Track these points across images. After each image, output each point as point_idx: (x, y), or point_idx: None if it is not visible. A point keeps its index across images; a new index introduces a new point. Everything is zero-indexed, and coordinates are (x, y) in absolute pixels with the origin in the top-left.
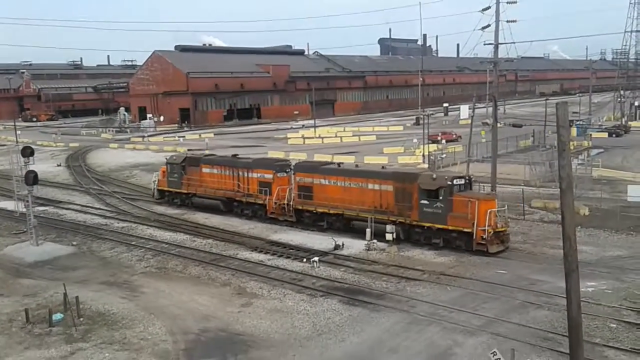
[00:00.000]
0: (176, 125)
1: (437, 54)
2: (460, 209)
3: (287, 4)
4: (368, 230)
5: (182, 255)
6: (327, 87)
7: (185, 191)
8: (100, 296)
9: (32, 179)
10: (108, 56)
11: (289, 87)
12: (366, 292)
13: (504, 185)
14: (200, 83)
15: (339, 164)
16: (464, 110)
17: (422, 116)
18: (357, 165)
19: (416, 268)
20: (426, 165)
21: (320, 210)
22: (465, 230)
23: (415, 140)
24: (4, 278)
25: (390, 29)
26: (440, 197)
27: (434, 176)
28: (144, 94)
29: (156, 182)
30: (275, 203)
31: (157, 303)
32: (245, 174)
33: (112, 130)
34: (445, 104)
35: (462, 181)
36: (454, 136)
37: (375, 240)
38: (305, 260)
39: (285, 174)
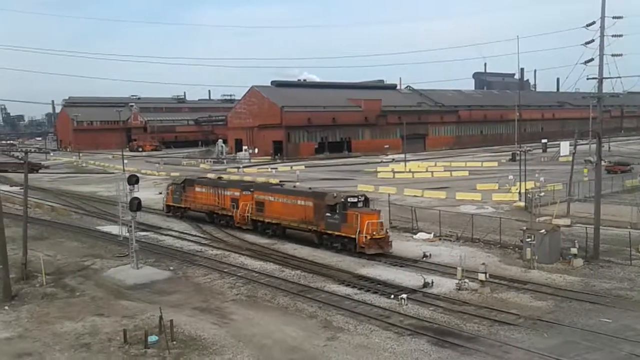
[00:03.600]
0: (269, 157)
1: (535, 88)
2: (350, 220)
3: (381, 40)
4: (459, 269)
5: (271, 284)
6: (418, 121)
7: (184, 206)
8: (193, 321)
9: (136, 205)
10: (209, 91)
11: (380, 121)
12: (456, 333)
13: (609, 228)
14: (293, 117)
15: (281, 184)
16: (565, 147)
17: (518, 152)
18: (294, 186)
19: (510, 311)
20: (522, 204)
21: (267, 220)
22: (352, 236)
23: (510, 177)
24: (106, 298)
25: (485, 63)
26: (337, 211)
27: (335, 195)
28: (240, 127)
29: (165, 199)
30: (240, 215)
31: (246, 331)
32: (222, 192)
33: (210, 161)
34: (544, 140)
35: (356, 199)
36: (629, 167)
37: (466, 280)
38: (392, 296)
39: (249, 192)
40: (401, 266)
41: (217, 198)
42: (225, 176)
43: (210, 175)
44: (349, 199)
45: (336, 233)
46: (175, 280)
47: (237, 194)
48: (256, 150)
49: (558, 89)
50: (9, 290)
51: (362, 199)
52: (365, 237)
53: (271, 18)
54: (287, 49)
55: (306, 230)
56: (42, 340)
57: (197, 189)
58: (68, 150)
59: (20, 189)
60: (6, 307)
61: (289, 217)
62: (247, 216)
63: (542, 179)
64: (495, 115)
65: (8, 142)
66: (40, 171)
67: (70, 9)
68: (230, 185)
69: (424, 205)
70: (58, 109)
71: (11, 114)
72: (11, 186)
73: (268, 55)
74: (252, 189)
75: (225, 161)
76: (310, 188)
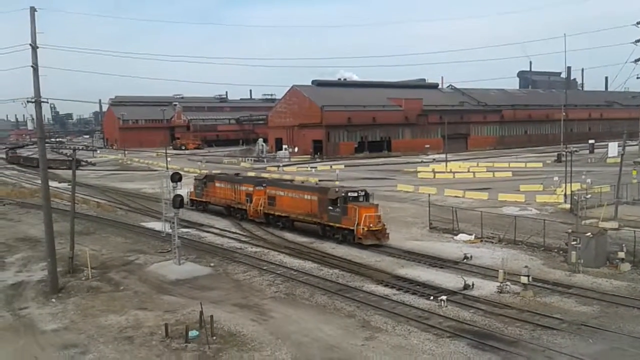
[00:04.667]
0: (309, 156)
1: (582, 87)
2: (349, 214)
3: (423, 38)
4: (501, 271)
5: (310, 283)
6: (460, 120)
7: (205, 200)
8: (232, 317)
9: (178, 202)
10: (250, 90)
11: (420, 120)
12: (497, 337)
13: None
14: (333, 116)
15: (291, 181)
16: (613, 147)
17: (564, 153)
18: (302, 182)
19: (554, 316)
20: (568, 206)
21: (277, 214)
22: (351, 228)
23: (556, 178)
24: (149, 293)
25: (530, 62)
26: (338, 205)
27: (337, 189)
28: (281, 126)
29: (188, 194)
30: (253, 209)
31: (285, 328)
32: (238, 187)
33: (251, 160)
34: (591, 141)
35: (356, 194)
36: None
37: (508, 283)
38: (432, 298)
39: (262, 188)
40: (441, 267)
41: (233, 193)
42: (265, 175)
43: (251, 174)
44: (349, 194)
45: (337, 225)
46: (215, 277)
47: (251, 189)
48: (296, 149)
49: (606, 88)
50: (56, 283)
51: (363, 193)
52: (363, 229)
53: (310, 17)
54: (326, 48)
55: (312, 223)
56: (87, 333)
57: (217, 184)
58: (114, 148)
59: (68, 185)
60: (53, 300)
61: (297, 210)
62: (260, 210)
63: (588, 180)
64: (541, 114)
65: (57, 140)
66: (83, 168)
67: (116, 9)
68: (245, 181)
69: (465, 206)
70: (105, 108)
71: (60, 113)
72: (59, 182)
73: (308, 55)
74: (264, 185)
75: (265, 160)
76: (316, 183)
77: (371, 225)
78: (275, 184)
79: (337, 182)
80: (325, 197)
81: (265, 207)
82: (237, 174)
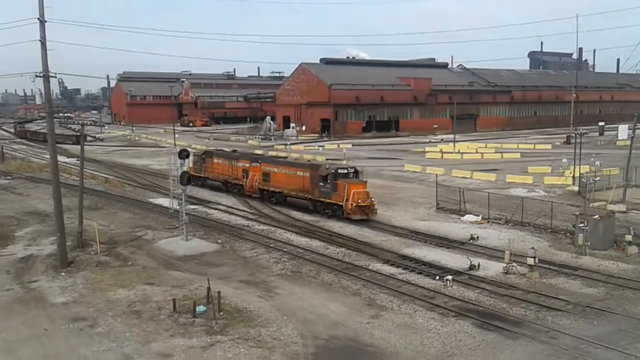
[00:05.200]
0: (317, 134)
1: (593, 69)
2: (339, 189)
3: (434, 17)
4: (507, 253)
5: (316, 261)
6: (469, 101)
7: (203, 175)
8: (239, 293)
9: (186, 179)
10: (258, 68)
11: (429, 100)
12: (502, 317)
13: None
14: (341, 95)
15: (285, 158)
16: (623, 130)
17: (574, 135)
18: (295, 159)
19: (559, 297)
20: (576, 188)
21: (271, 189)
22: (340, 203)
23: (564, 160)
24: (157, 269)
25: (541, 42)
26: (329, 181)
27: (327, 166)
28: (288, 104)
29: (187, 169)
30: (249, 184)
31: (291, 305)
32: (235, 164)
33: (258, 138)
34: (601, 123)
35: (345, 171)
36: None
37: (514, 264)
38: (437, 277)
39: (257, 164)
40: (447, 247)
41: (230, 169)
42: (272, 153)
43: (258, 152)
44: (339, 171)
45: (327, 200)
46: (222, 253)
47: (247, 165)
48: (304, 128)
49: (618, 70)
50: (66, 257)
51: (352, 170)
52: (352, 204)
53: None
54: (335, 26)
55: (303, 198)
56: (96, 306)
57: (215, 160)
58: (122, 123)
59: (76, 160)
60: (63, 274)
61: (289, 186)
62: (255, 185)
63: (597, 163)
64: (551, 96)
65: (65, 114)
66: (90, 143)
67: None
68: (242, 157)
69: (472, 187)
70: (113, 84)
71: (68, 88)
72: (68, 157)
73: (317, 33)
74: (260, 161)
75: (272, 138)
76: (308, 160)
77: (359, 201)
78: (270, 160)
79: (344, 161)
80: (316, 174)
81: (260, 182)
82: (234, 151)
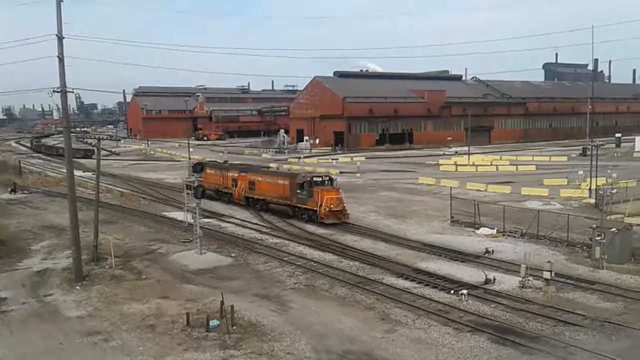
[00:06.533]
0: (330, 147)
1: (609, 80)
2: (314, 196)
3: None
4: (523, 266)
5: (330, 275)
6: (484, 113)
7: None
8: (253, 307)
9: (200, 192)
10: (272, 81)
11: (443, 112)
12: (518, 332)
13: None
14: (355, 107)
15: (268, 167)
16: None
17: (590, 147)
18: (277, 168)
19: (576, 312)
20: (592, 201)
21: (256, 197)
22: (315, 209)
23: (580, 173)
24: (171, 282)
25: (556, 54)
26: (305, 188)
27: (303, 175)
28: (302, 117)
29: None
30: (237, 193)
31: (304, 320)
32: (225, 173)
33: (272, 151)
34: (618, 135)
35: (320, 179)
36: None
37: (530, 278)
38: (452, 292)
39: (245, 174)
40: (462, 261)
41: (222, 179)
42: (286, 166)
43: (272, 165)
44: (314, 179)
45: (304, 206)
46: (236, 267)
47: (236, 175)
48: (317, 141)
49: (634, 81)
50: (81, 271)
51: (327, 178)
52: (325, 209)
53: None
54: (349, 39)
55: (284, 205)
56: (110, 320)
57: (208, 170)
58: (137, 138)
59: (93, 174)
60: (77, 287)
61: (272, 194)
62: (242, 193)
63: (614, 175)
64: (566, 107)
65: (82, 129)
66: (106, 157)
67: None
68: (232, 167)
69: (487, 199)
70: (129, 99)
71: (85, 103)
72: (84, 172)
73: (331, 47)
74: (246, 171)
75: (286, 151)
76: (289, 170)
77: (332, 206)
78: (255, 170)
79: (358, 174)
80: (294, 182)
81: (246, 191)
82: (225, 162)
